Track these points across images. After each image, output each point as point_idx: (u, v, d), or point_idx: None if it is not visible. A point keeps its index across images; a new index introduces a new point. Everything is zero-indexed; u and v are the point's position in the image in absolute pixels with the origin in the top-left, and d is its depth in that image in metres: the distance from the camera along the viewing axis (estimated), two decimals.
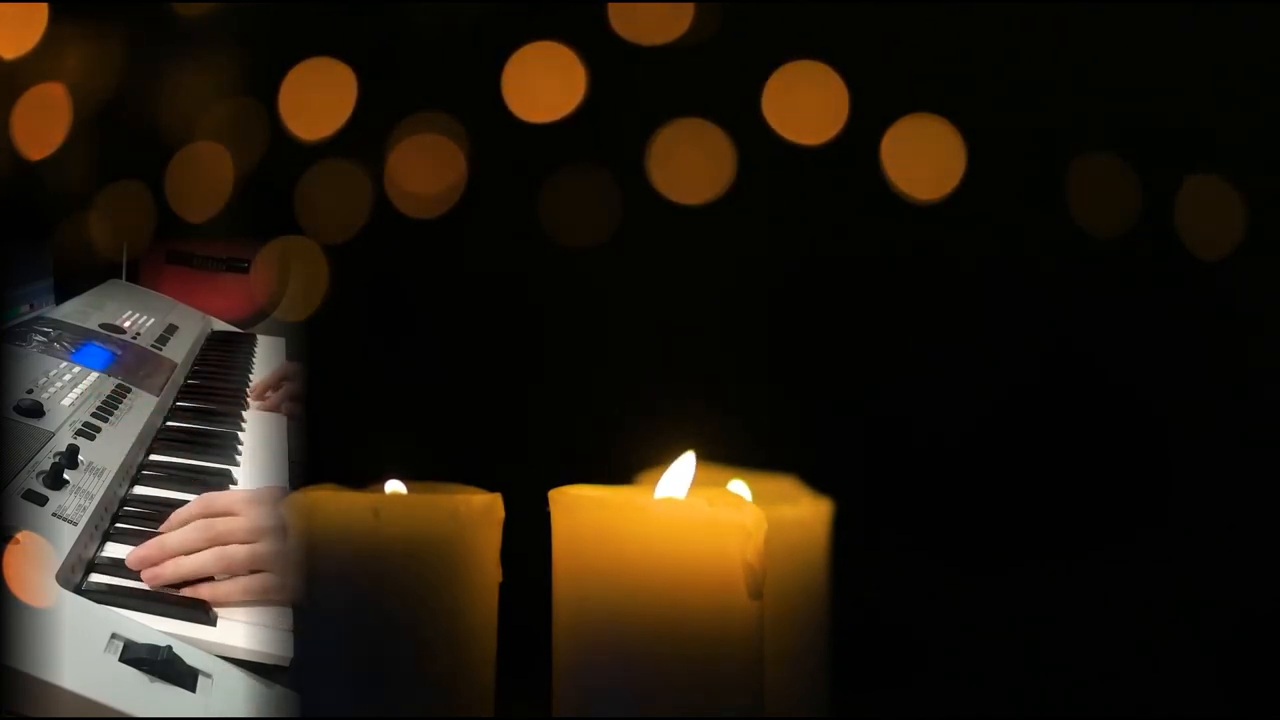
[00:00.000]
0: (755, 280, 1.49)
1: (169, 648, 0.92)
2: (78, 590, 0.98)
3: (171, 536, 1.05)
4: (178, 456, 1.31)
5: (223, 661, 0.95)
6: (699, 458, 1.00)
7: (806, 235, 1.48)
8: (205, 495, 1.12)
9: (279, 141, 1.41)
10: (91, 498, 1.08)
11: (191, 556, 1.03)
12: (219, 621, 1.00)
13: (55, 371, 1.28)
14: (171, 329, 1.64)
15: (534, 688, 0.89)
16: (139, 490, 1.19)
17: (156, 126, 1.38)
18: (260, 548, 1.03)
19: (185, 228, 1.40)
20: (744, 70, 1.42)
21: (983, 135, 1.42)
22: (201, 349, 1.67)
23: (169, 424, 1.39)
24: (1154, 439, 1.47)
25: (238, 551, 1.03)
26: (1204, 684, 1.41)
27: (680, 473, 0.89)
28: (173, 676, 0.90)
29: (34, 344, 1.31)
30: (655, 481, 0.90)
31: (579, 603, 0.86)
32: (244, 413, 1.49)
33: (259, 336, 1.71)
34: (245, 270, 1.62)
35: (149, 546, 1.05)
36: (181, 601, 1.00)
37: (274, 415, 1.49)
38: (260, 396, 1.51)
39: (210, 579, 1.03)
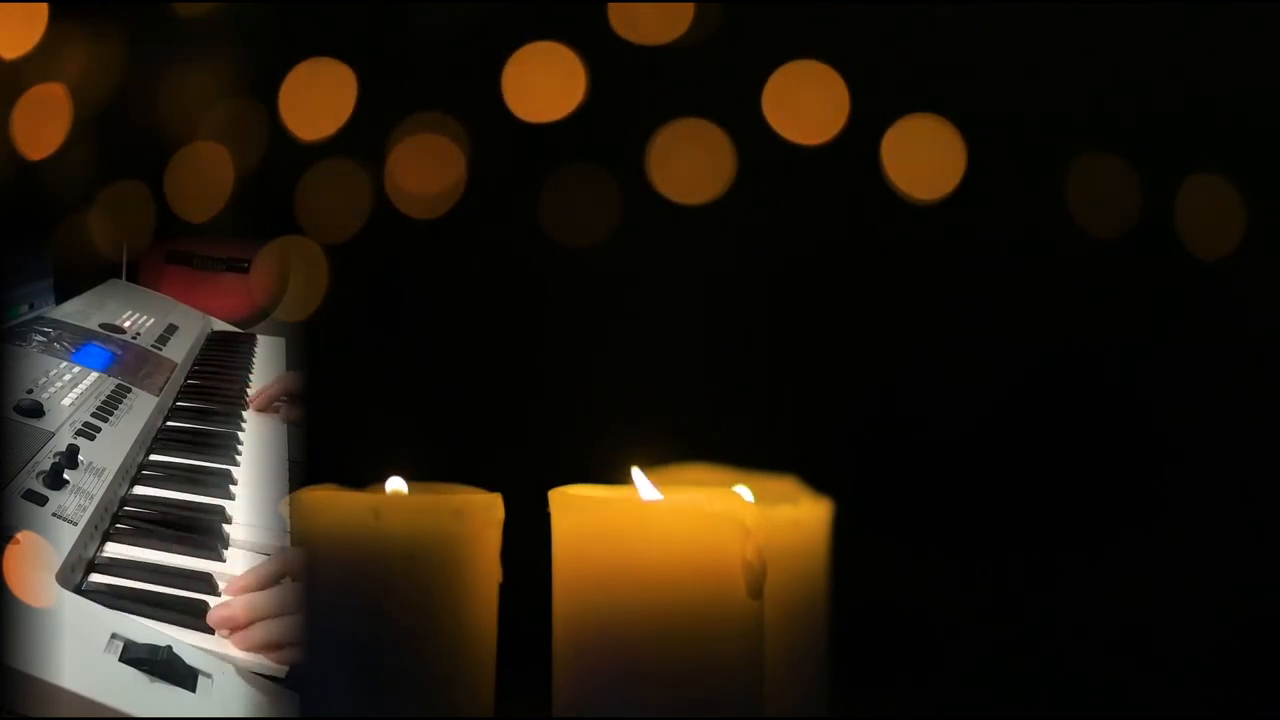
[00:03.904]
0: (755, 280, 1.49)
1: (169, 648, 0.92)
2: (78, 590, 0.98)
3: (260, 598, 1.00)
4: (178, 456, 1.30)
5: (223, 661, 0.95)
6: (699, 458, 1.00)
7: (806, 235, 1.48)
8: (287, 554, 1.08)
9: (279, 141, 1.41)
10: (91, 498, 1.08)
11: (281, 619, 0.97)
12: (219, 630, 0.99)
13: (55, 371, 1.28)
14: (171, 329, 1.64)
15: (534, 687, 0.89)
16: (139, 490, 1.19)
17: (156, 126, 1.38)
18: None
19: (185, 228, 1.40)
20: (744, 70, 1.42)
21: (983, 136, 1.42)
22: (201, 349, 1.67)
23: (169, 424, 1.39)
24: (1153, 438, 1.47)
25: None
26: (1204, 682, 1.41)
27: (642, 486, 0.89)
28: (173, 676, 0.90)
29: (34, 344, 1.31)
30: (655, 482, 0.90)
31: (579, 602, 0.86)
32: (244, 413, 1.49)
33: (259, 336, 1.71)
34: (245, 270, 1.62)
35: (234, 606, 0.99)
36: (182, 603, 1.00)
37: (274, 415, 1.49)
38: (263, 399, 1.50)
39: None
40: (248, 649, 0.97)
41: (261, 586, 1.01)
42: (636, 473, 0.89)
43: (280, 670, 0.95)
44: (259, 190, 1.40)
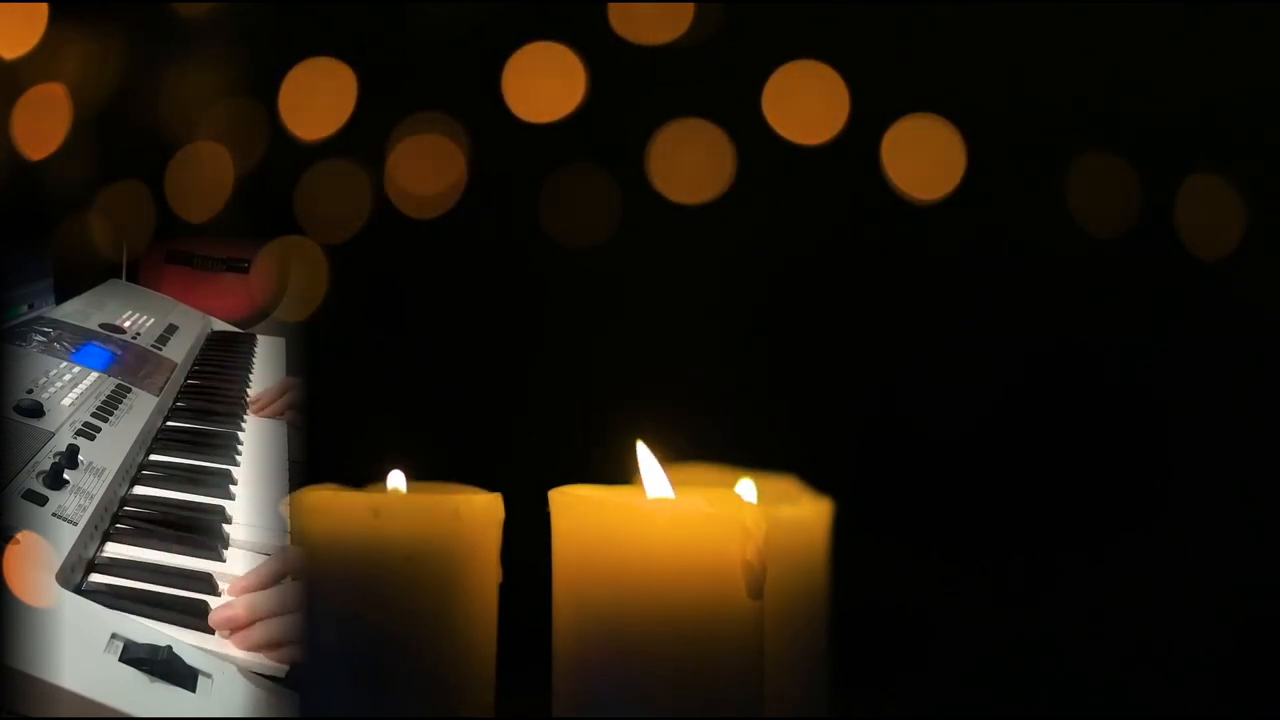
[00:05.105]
0: (755, 280, 1.49)
1: (169, 648, 0.92)
2: (78, 590, 0.98)
3: (261, 598, 1.00)
4: (178, 456, 1.31)
5: (223, 661, 0.95)
6: (699, 458, 1.00)
7: (806, 235, 1.48)
8: (289, 553, 1.08)
9: (279, 141, 1.41)
10: (91, 498, 1.08)
11: (282, 618, 0.97)
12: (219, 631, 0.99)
13: (55, 371, 1.28)
14: (171, 329, 1.64)
15: (534, 687, 0.89)
16: (139, 490, 1.19)
17: (156, 126, 1.38)
18: None
19: (185, 228, 1.40)
20: (744, 70, 1.42)
21: (983, 135, 1.42)
22: (201, 349, 1.67)
23: (169, 424, 1.39)
24: (1153, 438, 1.47)
25: None
26: (1203, 682, 1.41)
27: (648, 468, 0.89)
28: (173, 676, 0.90)
29: (34, 344, 1.31)
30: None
31: (579, 603, 0.86)
32: (244, 413, 1.49)
33: (259, 336, 1.71)
34: (245, 270, 1.62)
35: (236, 606, 0.99)
36: (182, 603, 1.00)
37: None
38: (260, 409, 1.50)
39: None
40: (249, 649, 0.97)
41: (263, 586, 1.01)
42: (642, 450, 0.89)
43: (280, 670, 0.95)
44: (259, 190, 1.40)
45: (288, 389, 1.50)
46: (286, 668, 0.95)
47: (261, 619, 0.97)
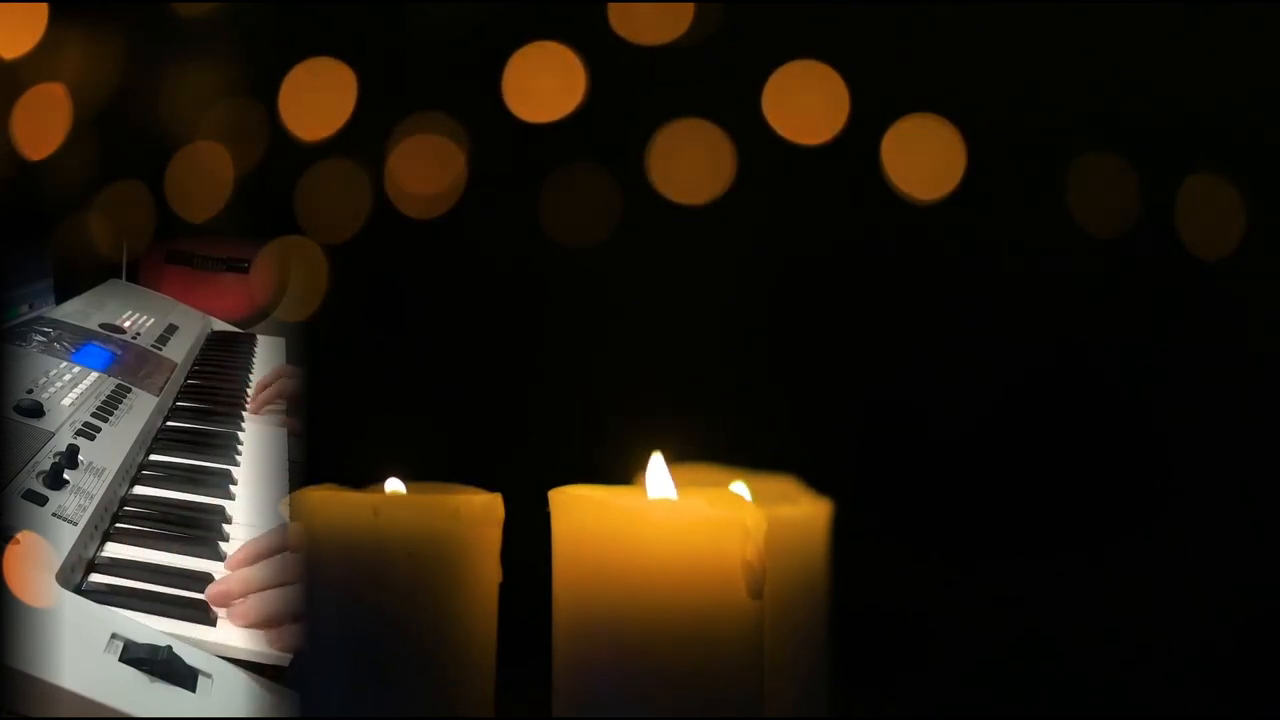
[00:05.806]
0: (755, 280, 1.49)
1: (169, 648, 0.92)
2: (78, 590, 0.98)
3: (254, 571, 1.00)
4: (178, 456, 1.31)
5: (223, 661, 0.95)
6: (697, 458, 1.00)
7: (806, 235, 1.48)
8: (284, 528, 1.08)
9: (279, 141, 1.41)
10: (91, 498, 1.08)
11: (277, 591, 0.98)
12: (219, 621, 0.99)
13: (55, 371, 1.28)
14: (171, 329, 1.64)
15: (534, 687, 0.89)
16: (139, 490, 1.19)
17: (156, 126, 1.38)
18: None
19: (185, 228, 1.40)
20: (744, 70, 1.42)
21: (983, 135, 1.42)
22: (201, 349, 1.67)
23: (169, 424, 1.39)
24: (1153, 438, 1.47)
25: None
26: (1204, 682, 1.41)
27: (657, 474, 0.89)
28: (173, 676, 0.90)
29: (34, 344, 1.31)
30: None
31: (579, 603, 0.86)
32: (244, 413, 1.49)
33: (259, 336, 1.71)
34: (245, 270, 1.62)
35: (229, 581, 1.00)
36: (182, 601, 1.00)
37: (274, 416, 1.49)
38: (257, 404, 1.50)
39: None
40: (246, 625, 0.97)
41: (258, 559, 1.01)
42: (656, 460, 0.89)
43: (284, 659, 0.95)
44: (259, 190, 1.40)
45: (280, 375, 1.50)
46: (289, 658, 0.95)
47: (255, 592, 0.97)
